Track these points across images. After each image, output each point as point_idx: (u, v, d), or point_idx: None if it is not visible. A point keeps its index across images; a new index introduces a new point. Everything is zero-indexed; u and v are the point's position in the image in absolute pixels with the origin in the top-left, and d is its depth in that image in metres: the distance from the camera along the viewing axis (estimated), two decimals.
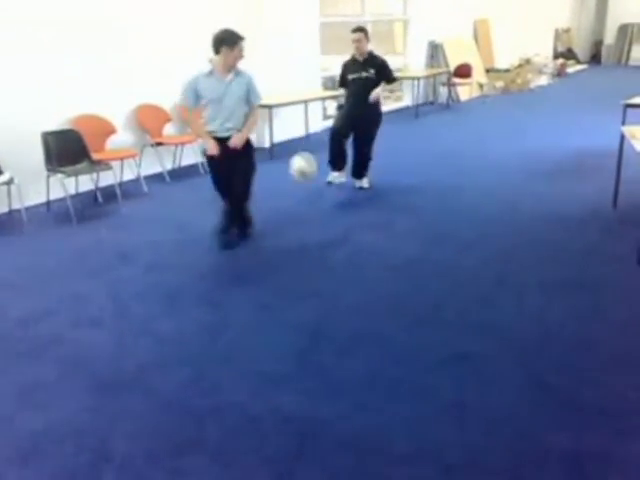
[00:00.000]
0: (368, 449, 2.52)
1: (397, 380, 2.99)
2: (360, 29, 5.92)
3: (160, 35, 6.84)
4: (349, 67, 6.06)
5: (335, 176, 6.28)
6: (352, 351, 3.27)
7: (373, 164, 6.25)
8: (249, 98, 4.68)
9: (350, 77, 6.01)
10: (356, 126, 6.08)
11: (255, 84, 4.71)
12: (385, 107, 11.21)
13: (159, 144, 6.75)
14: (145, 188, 6.31)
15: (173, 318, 3.67)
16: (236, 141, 4.58)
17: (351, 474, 2.39)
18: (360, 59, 5.96)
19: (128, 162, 6.43)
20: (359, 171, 6.29)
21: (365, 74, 5.92)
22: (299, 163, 5.27)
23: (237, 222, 4.85)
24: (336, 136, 6.17)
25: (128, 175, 6.55)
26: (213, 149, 4.57)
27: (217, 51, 4.46)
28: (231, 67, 4.53)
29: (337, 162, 6.23)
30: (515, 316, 3.60)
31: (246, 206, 4.85)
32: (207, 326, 3.57)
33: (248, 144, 4.71)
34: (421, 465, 2.43)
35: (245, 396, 2.90)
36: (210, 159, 4.72)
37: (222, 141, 4.58)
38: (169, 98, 7.04)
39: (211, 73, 4.53)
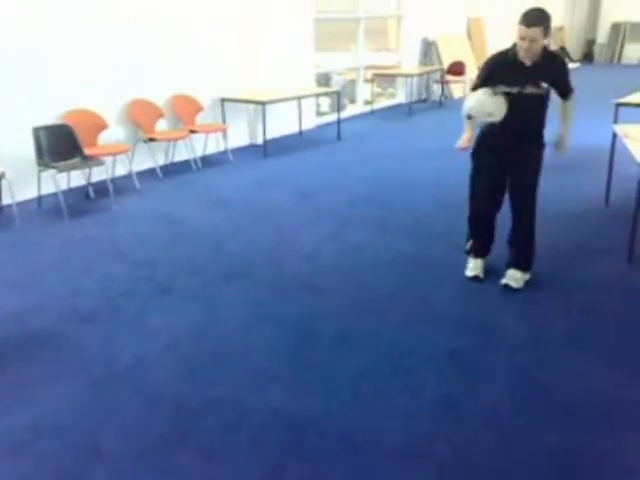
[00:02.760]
0: (359, 444, 2.53)
1: (388, 376, 3.00)
2: (535, 21, 3.34)
3: (153, 30, 6.81)
4: (502, 71, 3.59)
5: (479, 266, 4.07)
6: (343, 347, 3.27)
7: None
8: None
9: (503, 89, 3.56)
10: (512, 173, 3.78)
11: None
12: (378, 104, 11.31)
13: (151, 140, 6.72)
14: (137, 184, 6.28)
15: (165, 314, 3.66)
16: None
17: (342, 469, 2.40)
18: (527, 62, 3.50)
19: (120, 158, 6.40)
20: (520, 254, 3.92)
21: (531, 89, 3.54)
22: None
23: None
24: (483, 212, 3.99)
25: (120, 171, 6.52)
26: None
27: None
28: None
29: (486, 248, 4.11)
30: (505, 313, 3.61)
31: None
32: (198, 322, 3.56)
33: None
34: (411, 460, 2.43)
35: (236, 392, 2.89)
36: None
37: None
38: (162, 93, 7.03)
39: None
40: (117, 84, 6.52)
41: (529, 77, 3.52)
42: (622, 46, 19.67)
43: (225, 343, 3.33)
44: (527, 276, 3.96)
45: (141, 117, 6.74)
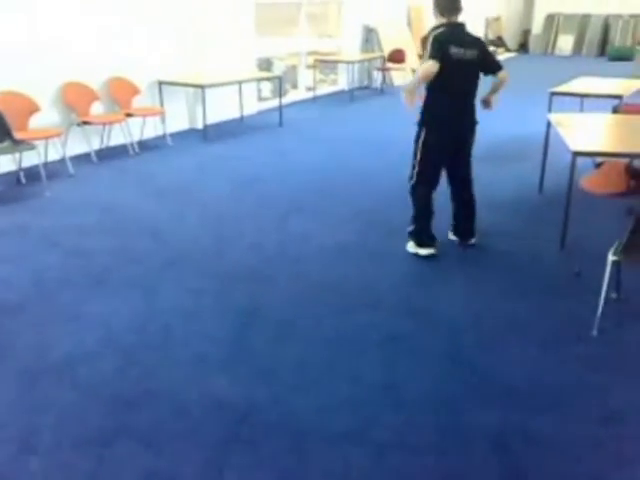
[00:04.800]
0: (301, 431, 2.53)
1: (330, 363, 3.01)
2: None
3: (88, 10, 6.56)
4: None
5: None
6: (285, 335, 3.26)
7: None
8: None
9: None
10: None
11: None
12: (320, 90, 11.28)
13: (86, 123, 6.49)
14: (71, 169, 6.07)
15: (101, 304, 3.55)
16: None
17: (284, 456, 2.40)
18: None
19: (53, 142, 6.17)
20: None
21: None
22: None
23: None
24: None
25: (53, 155, 6.28)
26: None
27: None
28: None
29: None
30: (445, 298, 3.68)
31: None
32: (136, 312, 3.47)
33: None
34: (352, 445, 2.45)
35: (177, 382, 2.84)
36: None
37: None
38: (97, 76, 6.80)
39: None
40: (50, 66, 6.26)
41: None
42: (556, 37, 20.25)
43: (164, 333, 3.27)
44: (420, 250, 4.19)
45: (75, 100, 6.50)
